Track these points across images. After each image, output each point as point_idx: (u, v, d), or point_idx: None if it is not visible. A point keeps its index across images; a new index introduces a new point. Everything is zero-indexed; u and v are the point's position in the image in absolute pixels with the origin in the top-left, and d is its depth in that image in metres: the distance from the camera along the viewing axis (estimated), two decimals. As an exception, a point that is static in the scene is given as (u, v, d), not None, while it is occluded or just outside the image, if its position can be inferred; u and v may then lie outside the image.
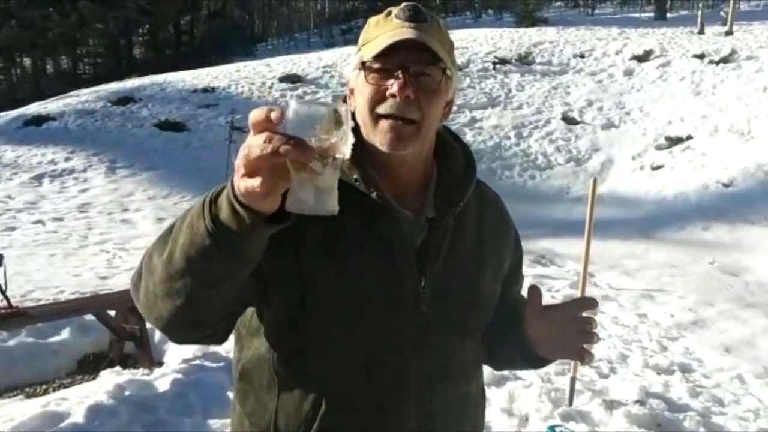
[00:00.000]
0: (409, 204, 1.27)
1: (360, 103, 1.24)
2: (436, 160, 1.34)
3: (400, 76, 1.18)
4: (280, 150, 0.85)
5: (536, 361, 1.38)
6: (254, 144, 0.86)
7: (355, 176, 1.23)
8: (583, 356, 1.29)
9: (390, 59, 1.19)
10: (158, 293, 1.07)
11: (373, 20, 1.28)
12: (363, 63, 1.22)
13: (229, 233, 0.95)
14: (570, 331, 1.29)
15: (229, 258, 1.00)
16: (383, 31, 1.22)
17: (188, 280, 1.02)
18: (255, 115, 0.88)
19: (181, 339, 1.18)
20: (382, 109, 1.20)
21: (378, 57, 1.19)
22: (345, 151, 0.90)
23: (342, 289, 1.18)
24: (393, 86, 1.18)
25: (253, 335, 1.27)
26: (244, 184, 0.89)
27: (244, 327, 1.29)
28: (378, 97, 1.21)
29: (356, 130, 1.26)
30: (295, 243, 1.17)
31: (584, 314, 1.29)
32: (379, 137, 1.21)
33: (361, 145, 1.25)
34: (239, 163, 0.89)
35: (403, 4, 1.25)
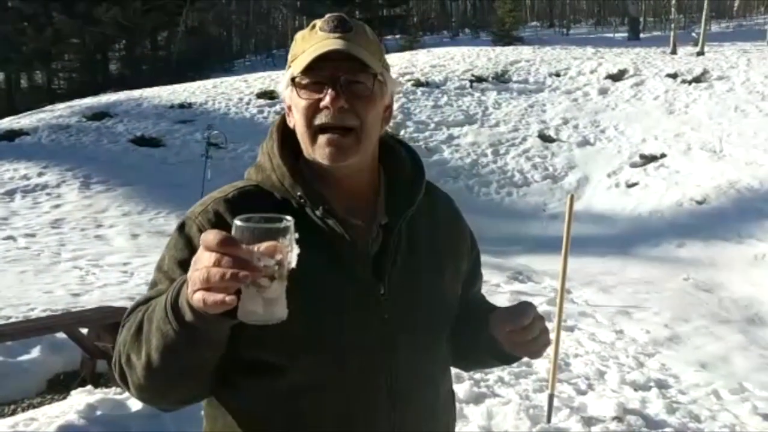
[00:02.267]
0: (360, 213, 1.27)
1: (297, 118, 1.24)
2: (382, 167, 1.34)
3: (330, 88, 1.19)
4: (227, 275, 0.91)
5: (507, 359, 1.38)
6: (206, 265, 0.93)
7: (299, 193, 1.23)
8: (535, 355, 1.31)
9: (319, 72, 1.20)
10: (144, 385, 1.14)
11: (299, 35, 1.28)
12: (293, 79, 1.23)
13: (195, 331, 1.02)
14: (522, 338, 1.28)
15: (202, 351, 1.08)
16: (309, 44, 1.22)
17: (168, 376, 1.11)
18: (207, 239, 0.94)
19: (184, 405, 1.25)
20: (318, 121, 1.21)
21: (306, 71, 1.20)
22: (292, 260, 0.96)
23: (303, 313, 1.13)
24: (326, 98, 1.19)
25: (231, 356, 1.24)
26: (197, 297, 0.95)
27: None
28: (313, 110, 1.21)
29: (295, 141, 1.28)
30: None
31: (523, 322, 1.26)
32: (319, 152, 1.22)
33: (303, 159, 1.27)
34: (192, 277, 0.95)
35: (327, 16, 1.25)
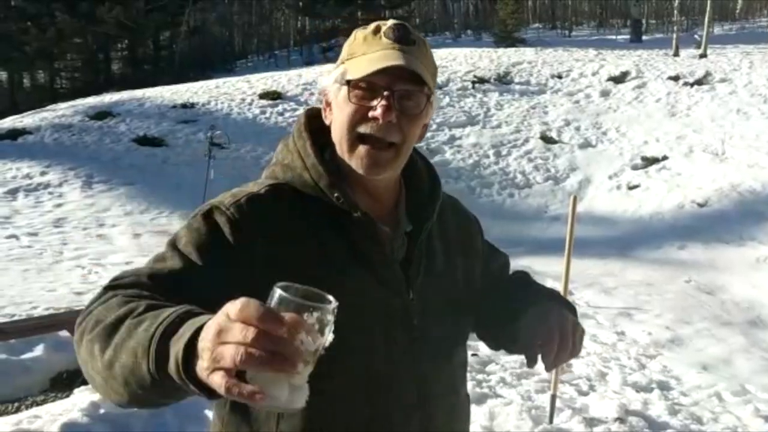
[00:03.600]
0: (384, 219, 1.28)
1: (339, 119, 1.23)
2: (402, 176, 1.35)
3: (384, 100, 1.17)
4: (266, 360, 0.77)
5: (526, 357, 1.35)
6: (239, 342, 0.78)
7: (336, 195, 1.21)
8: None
9: (377, 81, 1.18)
10: (98, 381, 1.00)
11: (360, 34, 1.25)
12: (348, 81, 1.20)
13: (170, 385, 0.89)
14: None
15: (165, 397, 0.97)
16: (371, 49, 1.20)
17: (125, 390, 0.97)
18: (243, 310, 0.79)
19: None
20: (362, 129, 1.19)
21: (364, 77, 1.18)
22: (326, 343, 0.83)
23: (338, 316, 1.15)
24: (377, 109, 1.17)
25: None
26: (218, 380, 0.80)
27: None
28: (359, 117, 1.19)
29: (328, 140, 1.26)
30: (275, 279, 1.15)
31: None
32: (355, 161, 1.21)
33: (330, 158, 1.26)
34: (217, 353, 0.80)
35: (392, 23, 1.24)
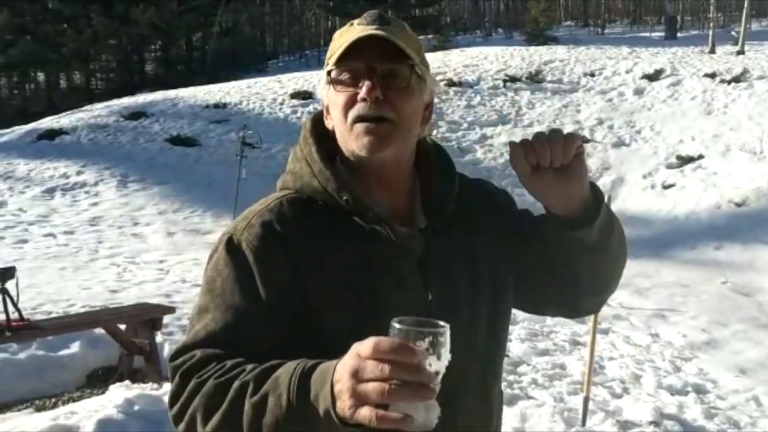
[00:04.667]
0: (400, 217, 1.26)
1: (335, 115, 1.22)
2: (416, 169, 1.32)
3: (367, 79, 1.16)
4: (411, 391, 0.86)
5: (583, 220, 1.26)
6: (380, 377, 0.86)
7: (345, 197, 1.20)
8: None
9: (354, 63, 1.17)
10: None
11: (337, 33, 1.25)
12: (329, 73, 1.21)
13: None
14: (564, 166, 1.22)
15: None
16: (346, 39, 1.19)
17: None
18: (375, 347, 0.87)
19: None
20: (354, 113, 1.18)
21: (341, 62, 1.18)
22: (446, 362, 0.91)
23: (358, 319, 1.13)
24: (362, 89, 1.16)
25: None
26: (366, 414, 0.87)
27: None
28: (350, 104, 1.18)
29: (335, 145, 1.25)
30: (302, 293, 1.16)
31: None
32: (356, 143, 1.18)
33: (341, 161, 1.25)
34: (359, 390, 0.88)
35: (366, 12, 1.23)
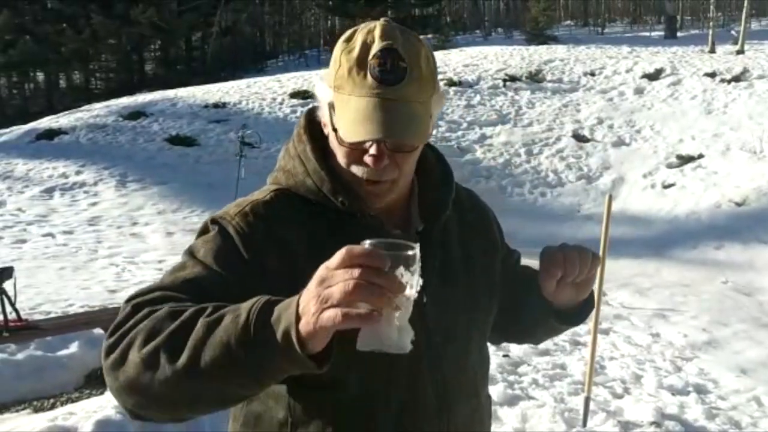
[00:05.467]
0: (395, 219, 1.25)
1: (335, 148, 1.20)
2: (414, 173, 1.31)
3: (376, 150, 1.14)
4: (375, 291, 0.83)
5: (572, 318, 1.37)
6: (345, 279, 0.84)
7: (340, 199, 1.19)
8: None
9: (365, 139, 1.14)
10: (156, 392, 0.97)
11: (345, 61, 1.15)
12: (334, 130, 1.17)
13: (274, 369, 0.93)
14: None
15: (258, 385, 0.98)
16: (356, 92, 1.13)
17: (202, 395, 0.97)
18: (345, 253, 0.86)
19: (142, 419, 1.07)
20: (358, 172, 1.17)
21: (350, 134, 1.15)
22: (418, 286, 0.89)
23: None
24: (368, 155, 1.15)
25: None
26: (329, 315, 0.85)
27: None
28: (353, 159, 1.17)
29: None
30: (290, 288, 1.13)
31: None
32: (358, 188, 1.19)
33: (335, 162, 1.22)
34: (323, 294, 0.85)
35: (378, 48, 1.13)
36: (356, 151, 1.16)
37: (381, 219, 1.21)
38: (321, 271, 0.87)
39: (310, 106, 1.32)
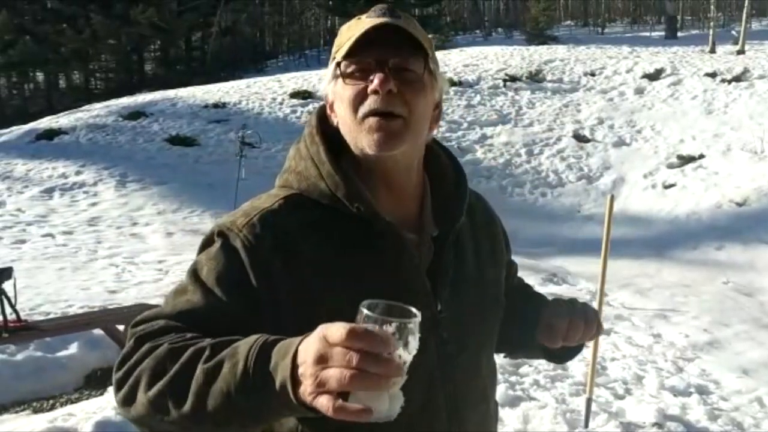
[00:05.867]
0: (409, 223, 1.21)
1: (342, 110, 1.16)
2: (426, 174, 1.27)
3: (380, 70, 1.10)
4: (375, 381, 0.81)
5: (561, 358, 1.42)
6: (343, 365, 0.81)
7: (356, 205, 1.14)
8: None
9: (366, 57, 1.12)
10: (169, 430, 1.00)
11: (344, 27, 1.20)
12: (338, 65, 1.14)
13: (273, 415, 0.94)
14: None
15: (261, 424, 0.97)
16: (355, 32, 1.13)
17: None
18: (341, 333, 0.82)
19: None
20: (365, 107, 1.12)
21: (352, 55, 1.12)
22: (414, 351, 0.87)
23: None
24: (373, 82, 1.10)
25: None
26: (324, 402, 0.83)
27: None
28: (360, 98, 1.12)
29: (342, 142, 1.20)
30: (303, 300, 1.10)
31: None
32: (366, 139, 1.12)
33: (346, 162, 1.18)
34: (321, 377, 0.83)
35: (375, 6, 1.17)
36: (361, 88, 1.12)
37: (395, 224, 1.16)
38: (320, 344, 0.84)
39: (321, 104, 1.28)
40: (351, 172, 1.17)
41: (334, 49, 1.19)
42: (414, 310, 0.87)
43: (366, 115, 1.12)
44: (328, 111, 1.22)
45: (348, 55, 1.13)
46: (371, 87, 1.11)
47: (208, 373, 0.94)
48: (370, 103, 1.12)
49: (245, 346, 0.93)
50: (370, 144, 1.13)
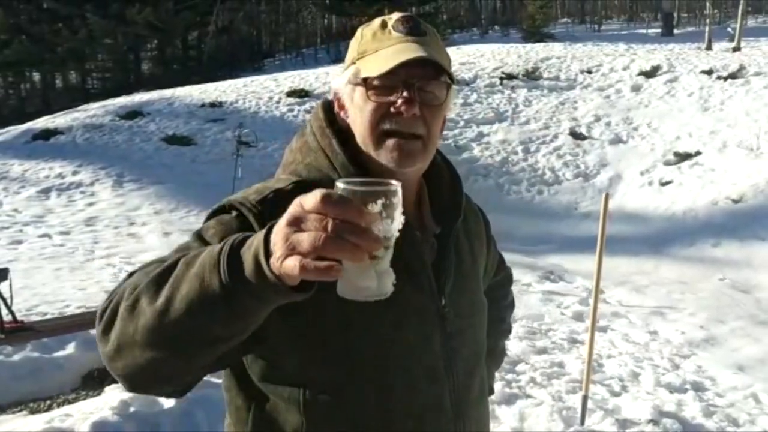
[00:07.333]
0: (414, 222, 1.23)
1: (360, 119, 1.18)
2: (423, 177, 1.30)
3: (406, 93, 1.13)
4: (348, 246, 0.77)
5: None
6: (315, 229, 0.78)
7: None
8: None
9: (394, 76, 1.14)
10: (140, 340, 0.94)
11: (368, 31, 1.21)
12: (364, 79, 1.16)
13: (246, 296, 0.87)
14: None
15: (236, 320, 0.91)
16: (383, 45, 1.16)
17: (182, 335, 0.92)
18: (317, 199, 0.78)
19: (141, 390, 1.05)
20: (387, 126, 1.15)
21: (385, 74, 1.14)
22: (399, 225, 0.84)
23: (374, 316, 1.10)
24: (399, 103, 1.13)
25: (270, 380, 1.15)
26: (291, 263, 0.79)
27: (254, 374, 1.17)
28: (381, 114, 1.15)
29: (351, 143, 1.21)
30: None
31: None
32: (385, 155, 1.16)
33: (361, 163, 1.20)
34: (292, 240, 0.79)
35: (399, 15, 1.20)
36: (384, 104, 1.14)
37: (407, 218, 1.19)
38: (295, 207, 0.81)
39: (323, 99, 1.30)
40: (364, 165, 1.19)
41: (354, 52, 1.20)
42: (391, 180, 0.83)
43: (388, 133, 1.15)
44: (336, 108, 1.25)
45: (379, 75, 1.15)
46: (396, 107, 1.14)
47: (186, 264, 0.92)
48: (392, 122, 1.15)
49: (228, 239, 0.91)
50: (389, 160, 1.16)
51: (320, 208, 0.78)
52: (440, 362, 1.19)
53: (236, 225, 1.10)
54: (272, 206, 1.11)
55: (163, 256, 1.07)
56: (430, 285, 1.20)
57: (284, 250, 0.80)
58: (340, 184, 0.81)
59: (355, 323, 1.11)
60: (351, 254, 0.77)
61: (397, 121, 1.14)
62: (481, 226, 1.45)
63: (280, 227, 0.81)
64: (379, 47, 1.16)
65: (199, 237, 1.10)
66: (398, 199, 0.82)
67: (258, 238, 0.86)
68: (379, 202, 0.80)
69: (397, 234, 0.83)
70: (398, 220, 0.82)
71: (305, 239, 0.78)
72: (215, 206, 1.17)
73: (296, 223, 0.80)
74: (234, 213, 1.12)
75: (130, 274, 1.04)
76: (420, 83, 1.15)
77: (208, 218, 1.15)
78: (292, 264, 0.79)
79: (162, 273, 0.94)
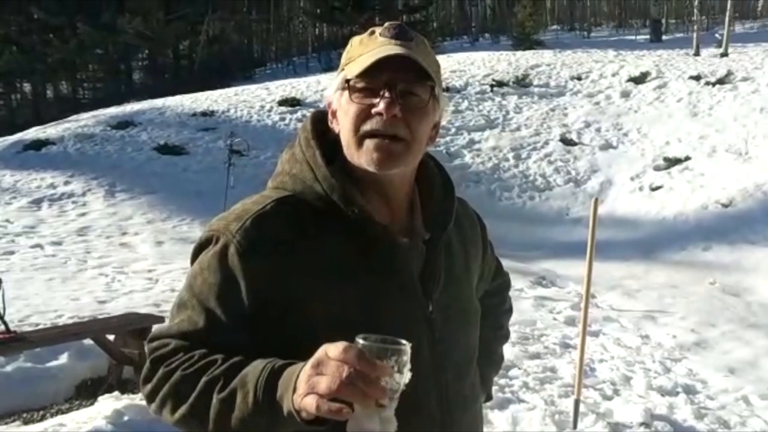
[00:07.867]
0: (401, 228, 1.24)
1: (344, 123, 1.19)
2: (416, 181, 1.31)
3: (387, 94, 1.14)
4: (357, 393, 0.90)
5: None
6: (333, 375, 0.91)
7: (351, 208, 1.16)
8: None
9: (375, 77, 1.14)
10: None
11: (356, 39, 1.23)
12: (347, 81, 1.17)
13: (278, 424, 1.02)
14: None
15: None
16: (368, 49, 1.17)
17: None
18: (339, 351, 0.92)
19: None
20: (367, 126, 1.15)
21: (363, 75, 1.15)
22: (406, 380, 0.95)
23: (361, 328, 1.09)
24: (379, 104, 1.13)
25: None
26: (309, 402, 0.93)
27: None
28: (363, 116, 1.15)
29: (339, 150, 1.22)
30: (299, 300, 1.15)
31: None
32: (365, 157, 1.16)
33: (348, 169, 1.21)
34: (311, 382, 0.93)
35: (387, 23, 1.22)
36: (366, 106, 1.15)
37: (389, 228, 1.20)
38: (320, 353, 0.94)
39: (315, 109, 1.32)
40: (345, 177, 1.20)
41: (344, 60, 1.23)
42: (404, 341, 0.96)
43: (368, 135, 1.16)
44: (330, 117, 1.25)
45: (359, 74, 1.16)
46: (376, 109, 1.15)
47: (224, 402, 1.05)
48: (373, 123, 1.15)
49: (253, 376, 1.03)
50: (369, 162, 1.16)
51: (340, 357, 0.92)
52: (428, 368, 1.20)
53: (217, 265, 1.15)
54: (254, 234, 1.15)
55: (171, 330, 1.17)
56: (417, 291, 1.21)
57: (305, 388, 0.94)
58: (359, 340, 0.94)
59: (340, 327, 1.13)
60: (360, 399, 0.91)
61: (378, 122, 1.14)
62: (477, 231, 1.44)
63: (306, 368, 0.95)
64: (363, 51, 1.17)
65: (192, 292, 1.17)
66: (407, 357, 0.95)
67: (289, 389, 0.99)
68: (393, 358, 0.93)
69: (403, 387, 0.95)
70: (407, 374, 0.95)
71: (323, 382, 0.92)
72: (201, 238, 1.21)
73: (319, 366, 0.93)
74: (213, 248, 1.16)
75: (153, 363, 1.16)
76: (402, 86, 1.15)
77: (195, 253, 1.21)
78: (310, 402, 0.93)
79: (199, 402, 1.08)
